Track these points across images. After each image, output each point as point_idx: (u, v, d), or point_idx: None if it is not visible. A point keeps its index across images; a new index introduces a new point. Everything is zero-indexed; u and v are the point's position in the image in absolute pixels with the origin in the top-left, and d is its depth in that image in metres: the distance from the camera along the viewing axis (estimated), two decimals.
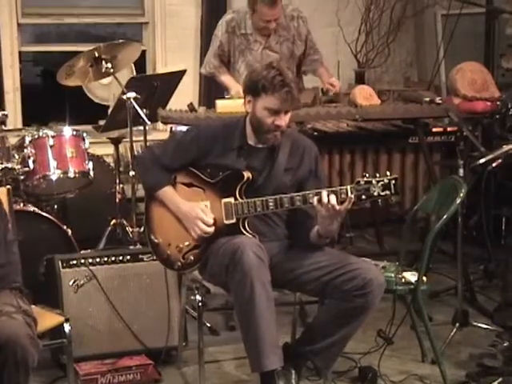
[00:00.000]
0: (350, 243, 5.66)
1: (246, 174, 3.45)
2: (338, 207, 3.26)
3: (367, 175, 3.32)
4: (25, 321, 2.99)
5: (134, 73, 5.62)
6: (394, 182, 3.29)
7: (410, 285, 3.71)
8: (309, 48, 5.12)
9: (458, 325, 4.08)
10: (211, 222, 3.46)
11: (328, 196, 3.27)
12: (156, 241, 3.62)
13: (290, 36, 5.05)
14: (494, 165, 4.00)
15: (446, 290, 4.75)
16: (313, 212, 3.41)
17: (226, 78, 5.11)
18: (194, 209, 3.48)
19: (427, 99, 4.69)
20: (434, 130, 4.87)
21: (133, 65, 5.46)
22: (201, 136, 3.55)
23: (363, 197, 3.29)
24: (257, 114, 3.43)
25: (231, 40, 5.03)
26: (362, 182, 3.30)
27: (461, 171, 4.12)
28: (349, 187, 3.30)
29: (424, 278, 3.73)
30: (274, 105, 3.38)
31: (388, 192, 3.29)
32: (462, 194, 3.70)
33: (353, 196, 3.25)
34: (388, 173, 3.33)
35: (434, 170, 4.82)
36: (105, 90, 5.41)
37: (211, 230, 3.46)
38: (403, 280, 3.70)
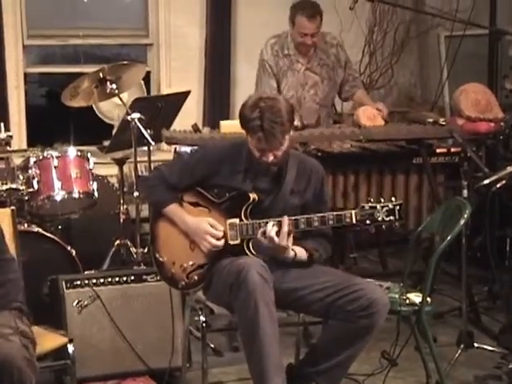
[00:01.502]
0: (354, 264, 5.66)
1: (252, 196, 3.46)
2: (276, 240, 3.33)
3: (372, 200, 3.36)
4: (22, 343, 2.98)
5: (145, 92, 5.66)
6: (398, 207, 3.33)
7: (415, 306, 3.69)
8: (347, 75, 5.26)
9: (462, 346, 4.07)
10: (221, 234, 3.47)
11: (272, 228, 3.34)
12: (161, 259, 3.63)
13: (330, 62, 5.20)
14: (498, 186, 4.00)
15: (450, 311, 4.74)
16: (320, 230, 3.44)
17: None
18: (202, 223, 3.49)
19: (431, 120, 4.69)
20: (438, 150, 4.87)
21: (143, 82, 5.49)
22: (207, 157, 3.56)
23: (367, 221, 3.34)
24: (249, 145, 3.46)
25: (277, 62, 5.15)
26: (367, 207, 3.34)
27: (465, 192, 4.13)
28: (353, 212, 3.34)
29: (428, 299, 3.71)
30: (253, 144, 3.41)
31: (392, 217, 3.33)
32: (466, 215, 3.69)
33: (285, 230, 3.33)
34: (393, 198, 3.36)
35: (438, 190, 4.82)
36: (115, 110, 5.41)
37: (221, 243, 3.47)
38: (407, 301, 3.69)
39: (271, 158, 3.41)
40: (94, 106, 5.38)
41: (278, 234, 3.35)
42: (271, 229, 3.35)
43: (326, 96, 5.23)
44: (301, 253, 3.49)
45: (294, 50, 5.13)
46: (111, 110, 5.43)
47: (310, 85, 5.19)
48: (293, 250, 3.45)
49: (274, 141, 3.36)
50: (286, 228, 3.35)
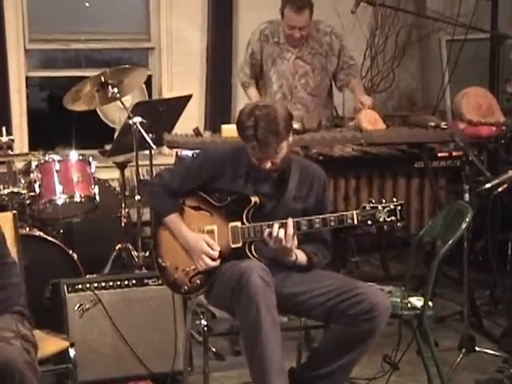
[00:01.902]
0: (356, 268, 5.66)
1: (254, 199, 3.46)
2: (283, 241, 3.33)
3: (373, 201, 3.36)
4: (23, 346, 2.98)
5: (146, 96, 5.66)
6: (399, 207, 3.33)
7: (416, 310, 3.69)
8: (342, 63, 5.21)
9: (464, 350, 4.07)
10: (216, 255, 3.47)
11: (278, 229, 3.33)
12: (163, 264, 3.63)
13: (323, 50, 5.16)
14: (499, 190, 4.00)
15: (452, 315, 4.73)
16: (319, 236, 3.44)
17: (251, 92, 5.22)
18: (199, 242, 3.49)
19: (432, 124, 4.69)
20: (440, 154, 4.87)
21: (144, 86, 5.50)
22: (208, 161, 3.57)
23: (369, 222, 3.34)
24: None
25: (263, 48, 5.13)
26: (368, 208, 3.34)
27: (466, 196, 4.13)
28: (354, 212, 3.35)
29: (430, 303, 3.71)
30: (250, 152, 3.41)
31: (394, 218, 3.33)
32: (467, 219, 3.69)
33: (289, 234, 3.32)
34: (394, 199, 3.37)
35: (440, 194, 4.81)
36: (117, 114, 5.42)
37: (216, 263, 3.47)
38: (409, 305, 3.69)
39: (268, 165, 3.40)
40: (98, 110, 5.39)
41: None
42: (278, 230, 3.35)
43: (317, 85, 5.19)
44: (301, 256, 3.49)
45: (284, 39, 5.10)
46: (115, 113, 5.43)
47: (301, 74, 5.16)
48: (294, 253, 3.45)
49: (268, 149, 3.35)
50: (291, 230, 3.34)
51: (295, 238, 3.38)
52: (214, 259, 3.47)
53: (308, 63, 5.16)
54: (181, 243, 3.56)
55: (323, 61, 5.18)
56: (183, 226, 3.56)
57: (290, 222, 3.36)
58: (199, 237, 3.51)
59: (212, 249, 3.47)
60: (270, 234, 3.36)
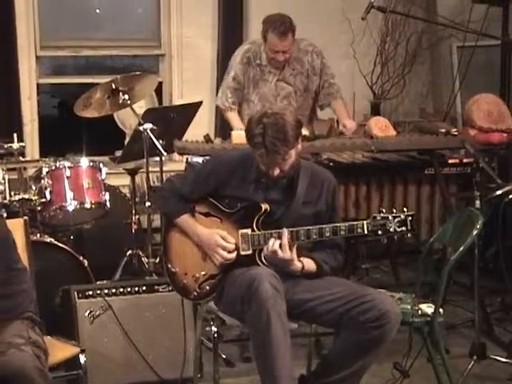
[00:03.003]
0: (366, 274, 5.65)
1: (264, 206, 3.46)
2: (280, 253, 3.34)
3: (384, 210, 3.35)
4: (34, 353, 2.98)
5: (156, 102, 5.67)
6: (410, 218, 3.34)
7: (427, 317, 3.68)
8: (323, 81, 5.15)
9: (475, 357, 4.06)
10: (232, 247, 3.48)
11: (274, 241, 3.36)
12: (173, 270, 3.63)
13: (304, 70, 5.10)
14: (510, 196, 3.99)
15: (462, 323, 4.71)
16: (332, 240, 3.45)
17: (233, 116, 5.12)
18: (214, 236, 3.50)
19: (443, 130, 4.69)
20: (450, 161, 4.86)
21: (154, 93, 5.51)
22: (218, 167, 3.57)
23: (379, 232, 3.35)
24: None
25: (246, 71, 5.06)
26: (379, 218, 3.34)
27: (477, 203, 4.12)
28: (365, 222, 3.35)
29: (441, 310, 3.70)
30: (258, 159, 3.41)
31: (404, 228, 3.34)
32: (478, 226, 3.68)
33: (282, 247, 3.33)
34: (405, 209, 3.37)
35: (450, 201, 4.80)
36: (130, 120, 5.44)
37: (232, 256, 3.47)
38: (420, 312, 3.68)
39: (277, 172, 3.40)
40: (114, 116, 5.40)
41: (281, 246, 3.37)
42: (273, 242, 3.36)
43: (300, 106, 5.11)
44: (309, 264, 3.48)
45: (266, 61, 5.04)
46: (128, 118, 5.45)
47: (283, 95, 5.11)
48: (300, 261, 3.45)
49: (276, 157, 3.35)
50: (285, 240, 3.35)
51: (293, 248, 3.38)
52: (229, 252, 3.47)
53: (290, 84, 5.11)
54: (193, 244, 3.56)
55: (305, 81, 5.12)
56: (196, 224, 3.57)
57: (285, 231, 3.36)
58: (213, 231, 3.52)
59: (227, 241, 3.48)
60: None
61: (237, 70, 5.07)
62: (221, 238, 3.48)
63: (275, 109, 3.46)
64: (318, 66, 5.12)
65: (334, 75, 5.21)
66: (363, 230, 3.35)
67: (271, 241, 3.38)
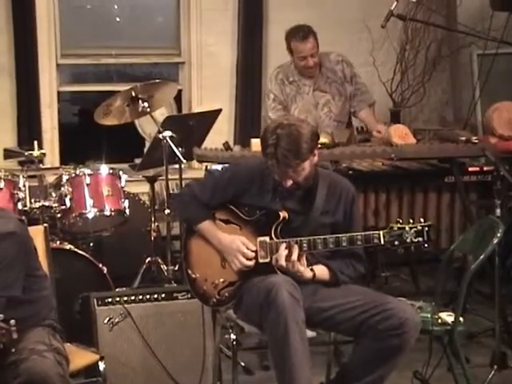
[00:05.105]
0: (385, 283, 5.62)
1: (282, 214, 3.46)
2: (283, 264, 3.35)
3: (401, 221, 3.35)
4: (56, 359, 2.99)
5: (175, 110, 5.68)
6: (427, 228, 3.32)
7: (447, 326, 3.66)
8: (355, 89, 5.33)
9: (496, 367, 4.03)
10: (252, 255, 3.48)
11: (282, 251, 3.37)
12: (193, 276, 3.64)
13: (337, 78, 5.29)
14: None
15: (483, 332, 4.68)
16: (350, 249, 3.43)
17: None
18: (235, 241, 3.50)
19: (463, 138, 4.67)
20: (471, 169, 4.84)
21: (173, 101, 5.52)
22: (237, 175, 3.58)
23: (396, 242, 3.34)
24: None
25: (283, 89, 5.24)
26: (396, 228, 3.34)
27: (498, 211, 4.10)
28: (381, 233, 3.34)
29: (461, 319, 3.68)
30: (270, 168, 3.40)
31: (421, 239, 3.33)
32: (499, 234, 3.66)
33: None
34: (422, 219, 3.36)
35: (471, 209, 4.78)
36: (149, 127, 5.46)
37: (252, 263, 3.47)
38: (440, 321, 3.66)
39: (289, 183, 3.39)
40: (136, 123, 5.43)
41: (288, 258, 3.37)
42: (275, 257, 3.39)
43: (340, 111, 5.31)
44: (322, 272, 3.48)
45: (298, 76, 5.23)
46: (148, 126, 5.47)
47: (323, 103, 5.28)
48: (312, 270, 3.44)
49: (287, 169, 3.34)
50: (282, 252, 3.36)
51: (302, 258, 3.38)
52: (249, 259, 3.47)
53: (326, 92, 5.28)
54: (213, 250, 3.56)
55: (340, 88, 5.30)
56: (217, 229, 3.57)
57: (283, 245, 3.38)
58: (235, 237, 3.52)
59: (248, 248, 3.48)
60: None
61: (274, 91, 5.26)
62: (242, 244, 3.48)
63: (292, 120, 3.43)
64: (348, 74, 5.32)
65: (365, 84, 5.40)
66: (380, 241, 3.34)
67: (276, 254, 3.38)
